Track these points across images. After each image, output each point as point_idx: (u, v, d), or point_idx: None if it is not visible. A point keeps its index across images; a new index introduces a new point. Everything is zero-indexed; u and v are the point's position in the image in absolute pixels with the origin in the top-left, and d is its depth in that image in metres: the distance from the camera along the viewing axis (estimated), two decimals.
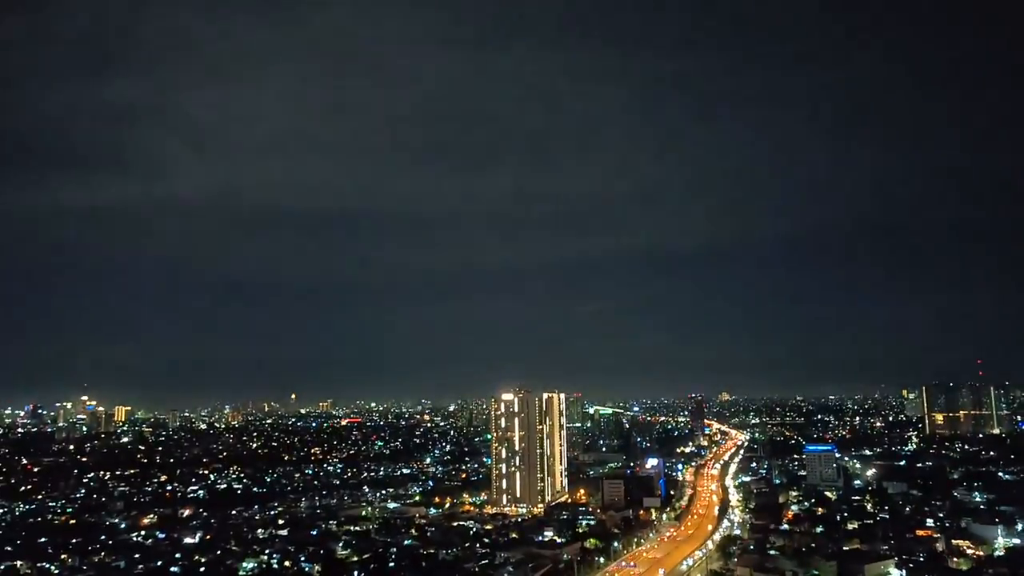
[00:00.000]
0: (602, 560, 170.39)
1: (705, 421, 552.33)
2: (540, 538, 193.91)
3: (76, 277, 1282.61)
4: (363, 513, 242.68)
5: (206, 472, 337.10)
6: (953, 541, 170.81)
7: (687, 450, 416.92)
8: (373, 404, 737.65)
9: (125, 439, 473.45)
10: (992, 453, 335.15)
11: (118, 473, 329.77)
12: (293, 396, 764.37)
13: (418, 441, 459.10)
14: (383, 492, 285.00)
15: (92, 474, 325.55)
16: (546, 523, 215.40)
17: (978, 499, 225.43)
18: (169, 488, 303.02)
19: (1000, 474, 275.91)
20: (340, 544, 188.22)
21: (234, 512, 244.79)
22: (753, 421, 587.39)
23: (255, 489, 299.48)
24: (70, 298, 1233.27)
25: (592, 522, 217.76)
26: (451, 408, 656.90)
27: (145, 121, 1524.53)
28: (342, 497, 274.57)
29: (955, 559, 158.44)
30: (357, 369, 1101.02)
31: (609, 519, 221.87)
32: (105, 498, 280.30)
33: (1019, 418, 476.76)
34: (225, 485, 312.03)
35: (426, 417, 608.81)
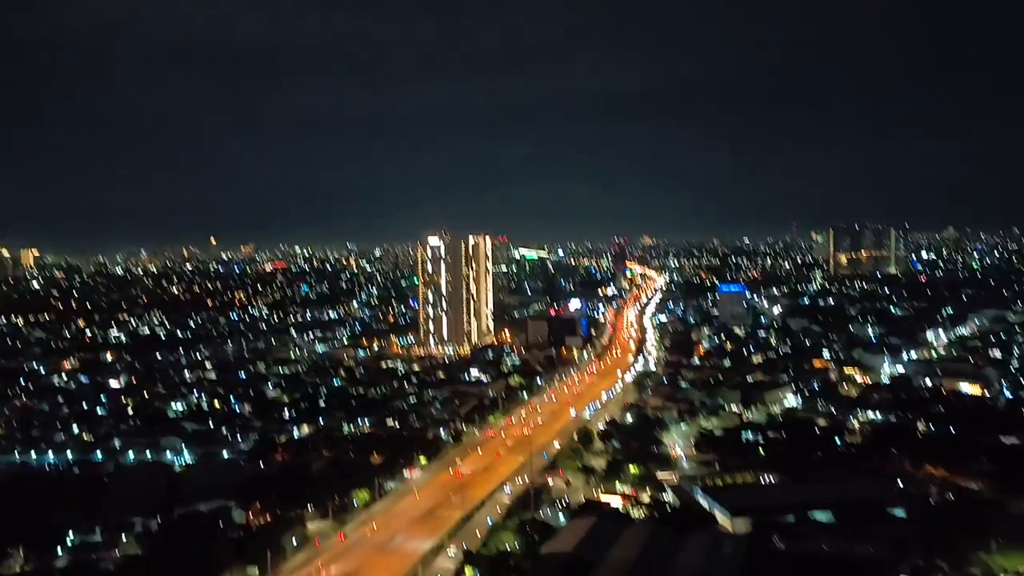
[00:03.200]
0: (526, 396, 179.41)
1: (627, 263, 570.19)
2: (466, 377, 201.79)
3: None
4: (292, 356, 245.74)
5: (127, 318, 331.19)
6: (844, 370, 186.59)
7: (609, 292, 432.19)
8: (297, 248, 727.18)
9: (36, 284, 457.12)
10: (887, 291, 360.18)
11: (32, 319, 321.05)
12: (212, 240, 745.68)
13: (344, 286, 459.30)
14: (311, 336, 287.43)
15: (3, 319, 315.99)
16: (472, 363, 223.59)
17: (870, 332, 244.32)
18: (89, 334, 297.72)
19: (892, 309, 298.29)
20: (270, 385, 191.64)
21: (159, 356, 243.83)
22: (672, 264, 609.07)
23: (179, 334, 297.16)
24: None
25: (516, 361, 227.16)
26: (377, 253, 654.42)
27: None
28: (269, 341, 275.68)
29: (845, 385, 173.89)
30: (278, 212, 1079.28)
31: (533, 358, 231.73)
32: (21, 343, 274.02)
33: (914, 258, 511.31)
34: (148, 330, 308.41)
35: (352, 262, 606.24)
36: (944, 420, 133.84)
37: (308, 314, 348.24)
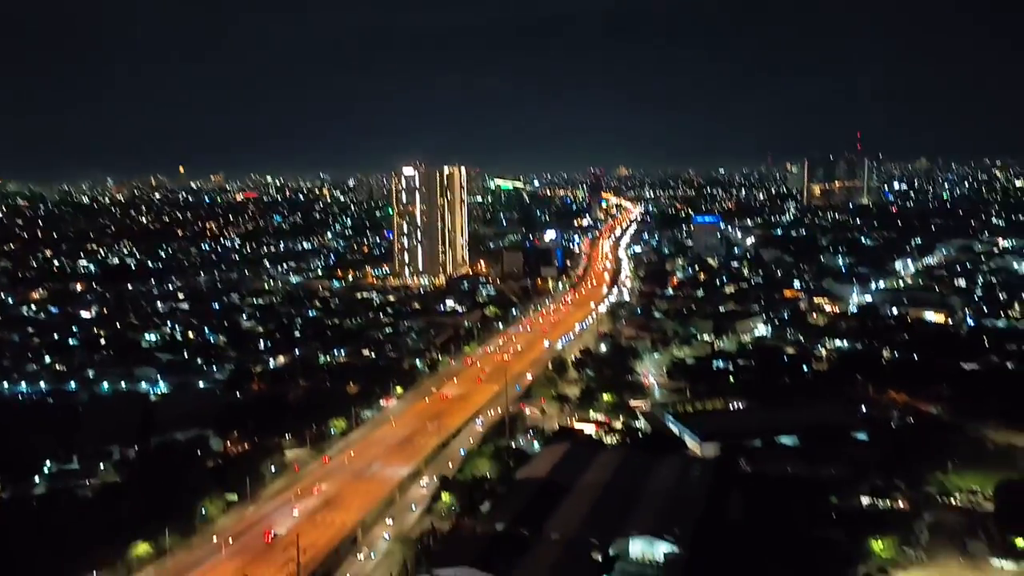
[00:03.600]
0: (501, 326, 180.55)
1: (603, 194, 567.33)
2: (442, 308, 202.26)
3: None
4: (266, 287, 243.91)
5: (96, 247, 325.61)
6: (814, 299, 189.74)
7: (585, 223, 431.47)
8: (269, 178, 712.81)
9: None
10: (859, 221, 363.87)
11: None
12: (180, 168, 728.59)
13: (318, 216, 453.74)
14: (285, 266, 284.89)
15: None
16: (447, 293, 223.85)
17: (840, 262, 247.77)
18: (56, 264, 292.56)
19: (863, 239, 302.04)
20: (244, 316, 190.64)
21: (130, 287, 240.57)
22: (648, 195, 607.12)
23: (150, 264, 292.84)
24: None
25: (492, 292, 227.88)
26: (351, 183, 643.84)
27: None
28: (243, 272, 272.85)
29: (814, 314, 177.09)
30: (248, 140, 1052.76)
31: (508, 288, 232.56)
32: None
33: (886, 188, 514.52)
34: (118, 260, 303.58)
35: (325, 192, 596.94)
36: (908, 347, 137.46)
37: (282, 245, 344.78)
